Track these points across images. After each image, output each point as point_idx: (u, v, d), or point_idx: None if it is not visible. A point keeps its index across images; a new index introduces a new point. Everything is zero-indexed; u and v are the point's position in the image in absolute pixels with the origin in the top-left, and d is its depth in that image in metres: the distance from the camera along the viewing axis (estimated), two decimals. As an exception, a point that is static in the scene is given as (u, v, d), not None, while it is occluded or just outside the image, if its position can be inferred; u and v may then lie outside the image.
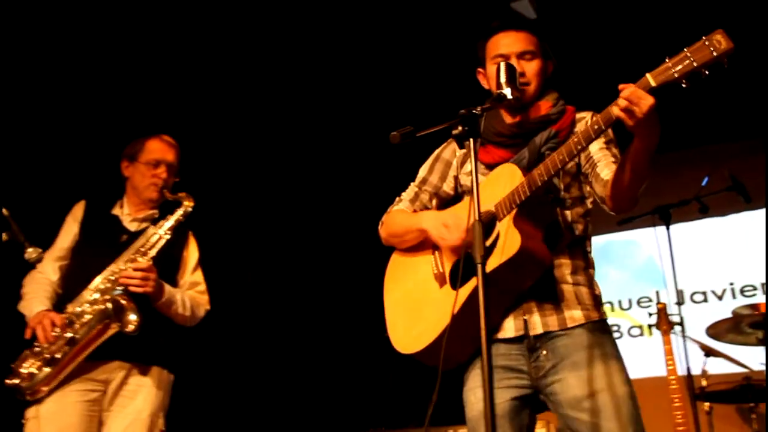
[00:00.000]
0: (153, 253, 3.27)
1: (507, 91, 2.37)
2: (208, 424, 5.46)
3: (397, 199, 2.84)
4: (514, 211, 2.34)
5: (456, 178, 2.73)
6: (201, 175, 5.71)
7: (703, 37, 1.99)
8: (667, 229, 4.82)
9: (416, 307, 2.63)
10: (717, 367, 4.96)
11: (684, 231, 5.78)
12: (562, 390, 2.33)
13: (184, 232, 3.55)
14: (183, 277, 3.50)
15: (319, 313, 6.33)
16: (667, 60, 2.04)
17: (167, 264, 3.38)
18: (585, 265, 2.52)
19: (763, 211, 6.08)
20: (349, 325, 6.19)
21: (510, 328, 2.44)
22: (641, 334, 6.31)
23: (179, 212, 3.39)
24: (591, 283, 2.51)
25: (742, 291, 6.14)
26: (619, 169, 2.28)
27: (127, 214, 3.47)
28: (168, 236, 3.33)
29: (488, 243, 2.37)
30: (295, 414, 6.08)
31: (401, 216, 2.76)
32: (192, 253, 3.57)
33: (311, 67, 5.59)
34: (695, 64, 1.99)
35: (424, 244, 2.69)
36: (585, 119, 2.54)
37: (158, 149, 3.48)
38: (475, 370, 2.49)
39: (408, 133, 2.18)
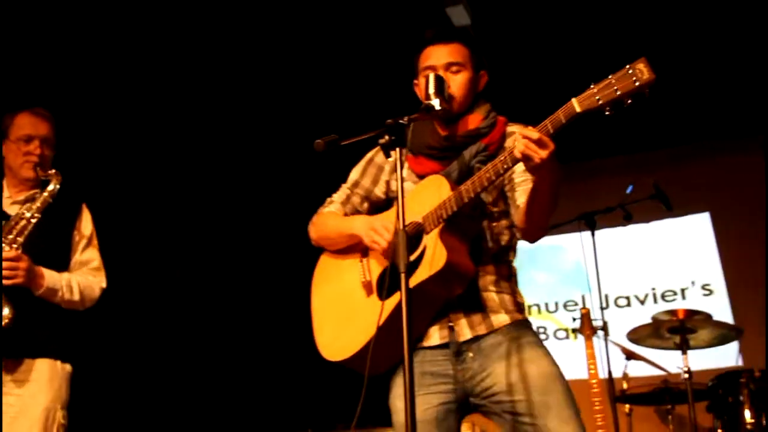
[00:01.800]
0: (21, 239, 3.07)
1: (435, 102, 2.38)
2: (120, 421, 5.33)
3: (328, 200, 2.83)
4: (440, 226, 2.37)
5: (388, 183, 2.74)
6: (134, 170, 5.72)
7: (627, 66, 2.02)
8: (592, 235, 4.93)
9: (344, 313, 2.64)
10: (637, 369, 5.16)
11: (608, 237, 5.93)
12: (493, 382, 2.37)
13: (76, 206, 3.37)
14: (74, 256, 3.31)
15: (247, 312, 6.27)
16: (592, 86, 2.07)
17: (54, 245, 3.21)
18: (508, 274, 2.57)
19: (683, 218, 6.31)
20: (275, 324, 6.14)
21: (435, 336, 2.47)
22: (567, 337, 6.46)
23: (46, 192, 3.16)
24: (514, 291, 2.57)
25: (663, 296, 6.33)
26: (528, 202, 2.33)
27: (7, 197, 3.27)
28: (36, 219, 3.11)
29: (415, 256, 2.41)
30: (218, 415, 6.01)
31: (332, 219, 2.76)
32: (84, 227, 3.37)
33: (256, 58, 5.54)
34: (618, 93, 2.02)
35: (353, 249, 2.70)
36: (514, 134, 2.56)
37: (28, 123, 3.27)
38: (401, 377, 2.49)
39: (332, 141, 2.18)
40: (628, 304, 6.37)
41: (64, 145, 3.44)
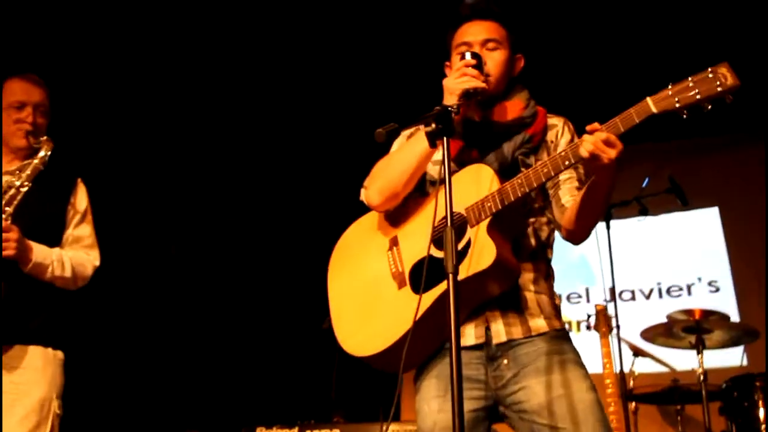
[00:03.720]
0: (10, 209, 2.91)
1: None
2: (113, 408, 5.19)
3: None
4: (488, 220, 2.23)
5: None
6: (134, 148, 5.51)
7: (709, 69, 1.94)
8: (608, 227, 4.80)
9: (369, 304, 2.47)
10: (642, 367, 5.05)
11: (615, 229, 5.78)
12: (527, 398, 2.24)
13: (71, 180, 3.23)
14: (68, 230, 3.17)
15: (243, 300, 6.07)
16: (670, 87, 1.98)
17: (46, 219, 3.08)
18: (546, 274, 2.45)
19: (692, 212, 6.18)
20: (271, 314, 5.97)
21: (470, 335, 2.32)
22: (570, 330, 6.32)
23: (37, 159, 3.01)
24: (551, 293, 2.44)
25: (668, 291, 6.22)
26: (581, 203, 2.22)
27: None
28: (26, 188, 2.95)
29: (459, 247, 2.24)
30: (213, 402, 5.84)
31: (389, 158, 2.52)
32: (79, 202, 3.22)
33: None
34: (698, 97, 1.96)
35: (377, 234, 2.53)
36: (556, 127, 2.45)
37: (20, 90, 3.13)
38: (430, 379, 2.37)
39: (393, 131, 2.02)
40: (633, 298, 6.25)
41: (62, 118, 3.30)
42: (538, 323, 2.32)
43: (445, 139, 2.03)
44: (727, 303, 5.93)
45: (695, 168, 6.08)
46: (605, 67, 5.41)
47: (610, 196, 2.19)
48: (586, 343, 5.24)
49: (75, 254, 3.13)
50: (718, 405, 4.28)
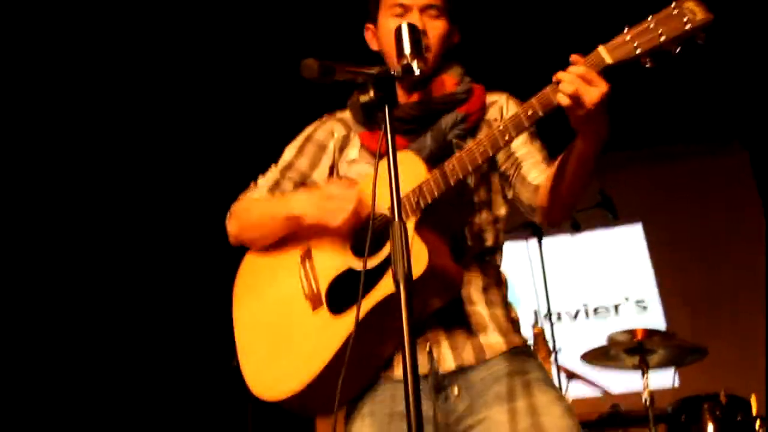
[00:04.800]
0: None
1: (414, 65, 1.82)
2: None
3: (252, 184, 2.24)
4: (416, 217, 1.85)
5: (332, 167, 2.18)
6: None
7: (673, 4, 1.63)
8: (539, 244, 4.49)
9: (278, 334, 2.04)
10: (576, 391, 4.71)
11: (536, 248, 5.48)
12: None
13: None
14: None
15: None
16: (626, 30, 1.65)
17: None
18: (497, 282, 2.06)
19: (615, 229, 5.96)
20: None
21: None
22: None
23: None
24: (505, 304, 2.05)
25: (595, 312, 5.98)
26: (556, 174, 1.85)
27: None
28: None
29: (380, 258, 1.87)
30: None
31: (259, 204, 2.16)
32: None
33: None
34: (662, 39, 1.62)
35: (289, 246, 2.10)
36: (498, 103, 2.10)
37: None
38: (363, 419, 1.96)
39: (328, 68, 1.54)
40: (559, 319, 5.96)
41: None
42: (493, 342, 1.94)
43: (386, 108, 1.60)
44: (655, 322, 5.71)
45: (620, 182, 5.88)
46: (545, 33, 4.85)
47: (595, 167, 1.81)
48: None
49: None
50: (663, 428, 3.98)
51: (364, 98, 1.62)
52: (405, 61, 1.81)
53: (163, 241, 5.39)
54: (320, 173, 2.18)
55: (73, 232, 5.10)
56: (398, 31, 1.86)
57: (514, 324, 2.02)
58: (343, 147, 2.17)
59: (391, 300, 1.71)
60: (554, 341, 4.09)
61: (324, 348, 1.89)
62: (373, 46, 2.16)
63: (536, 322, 5.70)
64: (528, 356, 1.97)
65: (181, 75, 5.00)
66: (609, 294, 5.99)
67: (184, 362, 5.28)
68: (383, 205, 1.82)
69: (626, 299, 5.96)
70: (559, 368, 4.11)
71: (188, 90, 5.08)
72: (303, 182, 2.19)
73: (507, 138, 1.76)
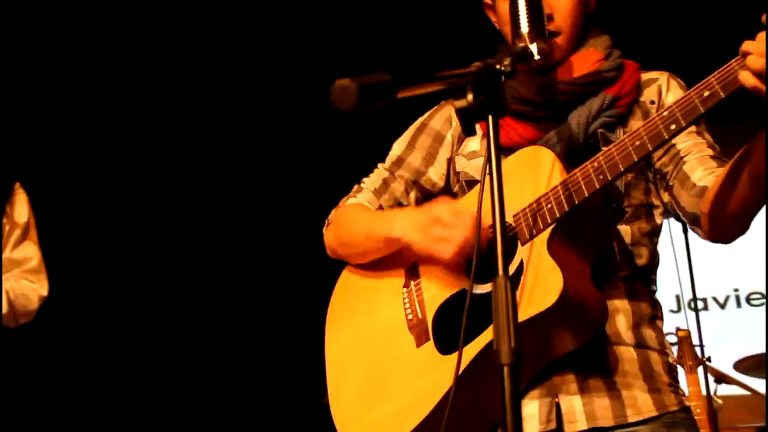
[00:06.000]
0: None
1: (533, 48, 1.54)
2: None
3: (356, 187, 1.94)
4: (548, 230, 1.53)
5: (450, 161, 1.86)
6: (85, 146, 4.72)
7: None
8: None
9: (377, 372, 1.74)
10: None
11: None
12: None
13: (7, 186, 2.74)
14: (5, 252, 2.69)
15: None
16: None
17: None
18: (651, 314, 1.68)
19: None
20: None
21: (531, 417, 1.57)
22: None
23: None
24: (662, 344, 1.66)
25: (748, 299, 5.38)
26: (730, 173, 1.48)
27: None
28: None
29: None
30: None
31: (360, 214, 1.86)
32: (18, 214, 2.73)
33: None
34: None
35: (393, 264, 1.80)
36: (658, 82, 1.71)
37: None
38: None
39: (380, 86, 1.16)
40: (705, 308, 5.37)
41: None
42: (641, 401, 1.56)
43: (490, 118, 1.23)
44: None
45: None
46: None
47: None
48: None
49: (16, 283, 2.66)
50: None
51: (459, 103, 1.23)
52: (522, 44, 1.52)
53: (257, 250, 5.08)
54: (437, 170, 1.86)
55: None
56: (513, 4, 1.54)
57: (672, 375, 1.63)
58: (462, 137, 1.84)
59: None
60: (702, 344, 3.56)
61: (427, 395, 1.59)
62: (496, 24, 1.81)
63: (678, 308, 5.23)
64: (684, 430, 1.57)
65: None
66: (763, 279, 5.34)
67: (267, 393, 4.89)
68: (509, 214, 1.55)
69: (787, 283, 5.30)
70: (706, 372, 3.58)
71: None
72: (417, 181, 1.88)
73: (674, 128, 1.40)
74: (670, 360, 1.65)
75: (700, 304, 5.38)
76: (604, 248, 1.60)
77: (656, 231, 1.70)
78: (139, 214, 4.96)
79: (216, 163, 5.01)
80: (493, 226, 1.19)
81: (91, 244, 4.80)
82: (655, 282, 1.71)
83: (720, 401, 4.01)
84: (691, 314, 4.31)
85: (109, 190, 4.83)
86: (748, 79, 1.27)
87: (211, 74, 4.72)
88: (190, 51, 4.58)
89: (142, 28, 4.42)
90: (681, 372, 3.48)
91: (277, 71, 4.69)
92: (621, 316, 1.61)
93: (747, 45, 1.27)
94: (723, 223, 1.53)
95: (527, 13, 1.54)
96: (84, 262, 4.71)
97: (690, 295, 5.00)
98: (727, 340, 4.92)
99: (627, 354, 1.59)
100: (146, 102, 4.72)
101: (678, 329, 3.53)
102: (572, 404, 1.55)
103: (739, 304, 5.36)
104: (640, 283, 1.67)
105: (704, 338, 4.27)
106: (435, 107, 1.90)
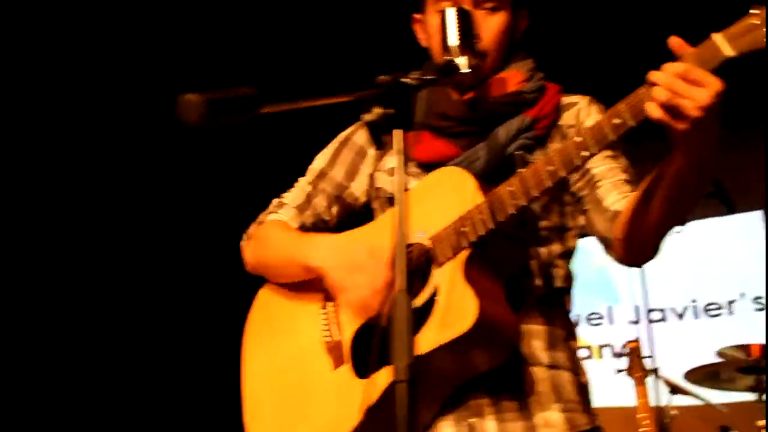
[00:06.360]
0: None
1: (461, 61, 1.54)
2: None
3: (276, 201, 1.91)
4: (465, 254, 1.53)
5: (372, 177, 1.86)
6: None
7: None
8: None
9: (295, 395, 1.72)
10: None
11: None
12: None
13: None
14: None
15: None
16: (753, 11, 1.24)
17: None
18: (566, 335, 1.70)
19: (730, 217, 5.29)
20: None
21: None
22: (590, 356, 5.49)
23: None
24: (575, 365, 1.68)
25: (705, 309, 5.38)
26: (642, 198, 1.48)
27: None
28: None
29: (420, 302, 1.55)
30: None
31: (281, 236, 1.83)
32: None
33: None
34: None
35: (314, 281, 1.76)
36: (578, 106, 1.72)
37: None
38: None
39: (234, 101, 1.17)
40: (663, 319, 5.39)
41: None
42: (551, 418, 1.58)
43: (395, 133, 1.24)
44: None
45: (738, 166, 5.20)
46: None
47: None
48: (608, 374, 4.34)
49: None
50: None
51: (368, 116, 1.23)
52: (447, 57, 1.52)
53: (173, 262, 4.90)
54: (359, 184, 1.85)
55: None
56: (442, 19, 1.55)
57: (583, 393, 1.63)
58: (383, 153, 1.81)
59: (429, 358, 1.45)
60: (653, 355, 3.58)
61: (344, 420, 1.57)
62: (422, 41, 1.82)
63: (637, 320, 5.26)
64: None
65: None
66: (722, 289, 5.37)
67: (180, 414, 4.74)
68: (424, 237, 1.55)
69: (742, 295, 5.33)
70: (658, 380, 3.59)
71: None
72: (339, 195, 1.87)
73: (585, 154, 1.42)
74: (582, 379, 1.66)
75: (658, 315, 5.43)
76: (519, 270, 1.60)
77: (571, 252, 1.71)
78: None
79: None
80: (396, 242, 1.18)
81: (82, 244, 4.73)
82: (570, 302, 1.72)
83: (675, 412, 4.04)
84: (646, 325, 4.36)
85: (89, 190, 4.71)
86: (654, 110, 1.27)
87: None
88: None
89: (139, 28, 4.40)
90: (630, 384, 3.49)
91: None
92: (536, 337, 1.61)
93: (653, 76, 1.27)
94: (635, 246, 1.53)
95: (458, 27, 1.55)
96: (76, 262, 4.65)
97: (646, 306, 5.07)
98: (683, 351, 4.96)
99: (541, 374, 1.60)
100: (129, 103, 4.61)
101: (627, 342, 3.54)
102: (488, 424, 1.54)
103: (696, 315, 5.38)
104: (556, 303, 1.67)
105: (661, 349, 4.31)
106: (359, 122, 1.88)
